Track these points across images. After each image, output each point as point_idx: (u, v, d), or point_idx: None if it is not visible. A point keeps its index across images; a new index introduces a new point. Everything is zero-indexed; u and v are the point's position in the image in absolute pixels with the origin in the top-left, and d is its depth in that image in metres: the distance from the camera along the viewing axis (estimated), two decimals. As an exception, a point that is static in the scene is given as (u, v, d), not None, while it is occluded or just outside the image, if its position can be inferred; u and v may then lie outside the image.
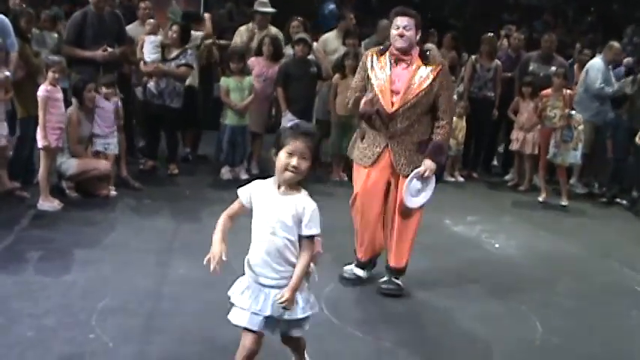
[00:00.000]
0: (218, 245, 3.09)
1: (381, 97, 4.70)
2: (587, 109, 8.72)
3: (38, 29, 7.93)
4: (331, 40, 9.31)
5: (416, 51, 4.80)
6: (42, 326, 3.91)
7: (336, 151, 8.39)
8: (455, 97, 9.02)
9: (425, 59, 4.80)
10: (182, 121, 8.24)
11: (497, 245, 6.47)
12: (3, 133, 6.27)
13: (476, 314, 4.71)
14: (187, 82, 8.11)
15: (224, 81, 7.86)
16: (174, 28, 7.93)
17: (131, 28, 8.26)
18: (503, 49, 10.41)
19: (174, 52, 7.88)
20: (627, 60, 10.22)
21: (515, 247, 6.46)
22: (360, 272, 5.15)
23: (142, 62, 7.81)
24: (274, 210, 3.08)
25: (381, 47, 4.99)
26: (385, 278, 4.95)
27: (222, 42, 9.23)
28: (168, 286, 4.70)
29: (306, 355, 3.45)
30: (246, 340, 3.12)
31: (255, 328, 3.09)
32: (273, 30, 8.78)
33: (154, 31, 8.01)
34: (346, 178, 7.90)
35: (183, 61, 7.86)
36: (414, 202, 4.77)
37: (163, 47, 7.87)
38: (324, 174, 8.41)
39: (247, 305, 3.09)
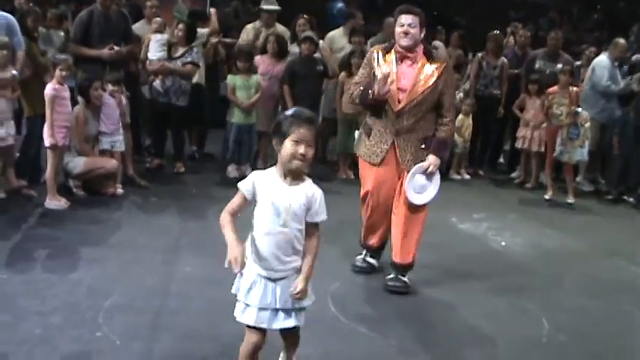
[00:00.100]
0: (236, 247, 2.94)
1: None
2: (593, 107, 8.71)
3: (45, 28, 7.95)
4: (338, 38, 9.31)
5: (420, 48, 4.82)
6: (49, 324, 3.92)
7: (343, 149, 8.40)
8: (461, 94, 9.05)
9: (429, 57, 4.82)
10: (188, 119, 8.26)
11: (503, 243, 6.46)
12: (10, 132, 6.28)
13: (482, 312, 4.71)
14: (195, 79, 8.13)
15: (231, 79, 7.87)
16: (180, 26, 7.94)
17: (138, 27, 8.28)
18: (510, 46, 10.41)
19: (180, 51, 7.89)
20: (637, 56, 10.17)
21: (521, 245, 6.46)
22: (373, 260, 5.24)
23: (146, 61, 7.84)
24: (285, 202, 3.02)
25: (386, 45, 5.01)
26: (391, 275, 4.95)
27: (227, 40, 9.25)
28: (175, 283, 4.71)
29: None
30: (252, 337, 3.09)
31: (263, 325, 3.07)
32: (280, 28, 8.79)
33: (160, 30, 8.04)
34: (353, 176, 7.90)
35: (189, 59, 7.87)
36: (417, 199, 4.78)
37: (169, 45, 7.89)
38: (330, 172, 8.42)
39: (256, 302, 3.04)
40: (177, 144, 8.21)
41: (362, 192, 5.07)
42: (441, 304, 4.83)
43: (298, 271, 3.10)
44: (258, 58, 8.17)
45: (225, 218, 3.06)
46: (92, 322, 3.98)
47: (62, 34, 8.43)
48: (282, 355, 3.42)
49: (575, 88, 8.32)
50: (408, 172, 4.77)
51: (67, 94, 6.30)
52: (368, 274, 5.20)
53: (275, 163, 3.13)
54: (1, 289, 4.38)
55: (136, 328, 3.96)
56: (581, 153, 8.14)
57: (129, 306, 4.27)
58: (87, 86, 6.67)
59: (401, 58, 4.80)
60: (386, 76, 4.62)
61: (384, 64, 4.80)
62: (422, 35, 4.80)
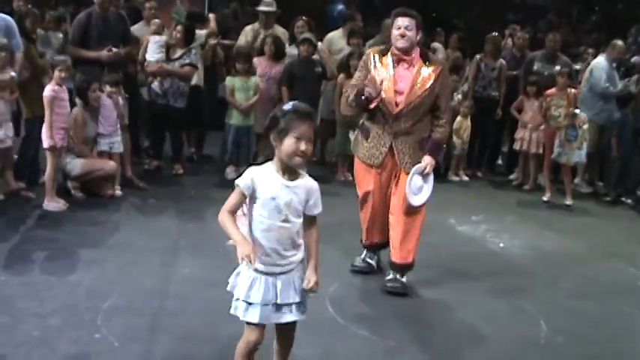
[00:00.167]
0: (245, 245, 2.91)
1: (385, 97, 4.72)
2: (591, 108, 8.71)
3: (43, 30, 7.94)
4: (336, 39, 9.31)
5: (417, 51, 4.84)
6: (47, 326, 3.92)
7: (341, 150, 8.40)
8: (460, 96, 9.06)
9: (426, 59, 4.83)
10: (187, 120, 8.27)
11: (501, 244, 6.47)
12: (8, 134, 6.28)
13: (480, 313, 4.71)
14: (193, 81, 8.13)
15: (229, 80, 7.88)
16: (179, 28, 7.95)
17: (136, 29, 8.28)
18: (508, 48, 10.42)
19: (179, 52, 7.90)
20: (636, 58, 10.19)
21: (519, 247, 6.46)
22: (372, 261, 5.27)
23: (145, 62, 7.85)
24: (286, 198, 3.01)
25: (383, 47, 5.02)
26: (390, 277, 4.95)
27: (226, 42, 9.26)
28: (174, 285, 4.71)
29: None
30: (252, 335, 3.06)
31: (266, 322, 3.06)
32: (279, 30, 8.80)
33: (158, 31, 8.04)
34: (351, 178, 7.87)
35: (187, 61, 7.88)
36: (416, 200, 4.81)
37: (168, 47, 7.89)
38: (329, 174, 8.43)
39: (259, 299, 3.02)
40: (176, 146, 8.22)
41: (360, 193, 5.08)
42: (439, 305, 4.83)
43: (298, 263, 3.11)
44: (255, 60, 8.17)
45: (225, 217, 3.02)
46: (91, 323, 3.98)
47: (61, 35, 8.42)
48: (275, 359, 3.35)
49: (573, 90, 8.33)
50: (406, 173, 4.78)
51: (65, 95, 6.30)
52: (366, 275, 5.20)
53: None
54: (-1, 290, 4.38)
55: (134, 330, 3.96)
56: (579, 155, 8.14)
57: (127, 307, 4.27)
58: (85, 88, 6.67)
59: (397, 61, 4.81)
60: (374, 79, 4.64)
61: (380, 67, 4.82)
62: (418, 38, 4.82)
